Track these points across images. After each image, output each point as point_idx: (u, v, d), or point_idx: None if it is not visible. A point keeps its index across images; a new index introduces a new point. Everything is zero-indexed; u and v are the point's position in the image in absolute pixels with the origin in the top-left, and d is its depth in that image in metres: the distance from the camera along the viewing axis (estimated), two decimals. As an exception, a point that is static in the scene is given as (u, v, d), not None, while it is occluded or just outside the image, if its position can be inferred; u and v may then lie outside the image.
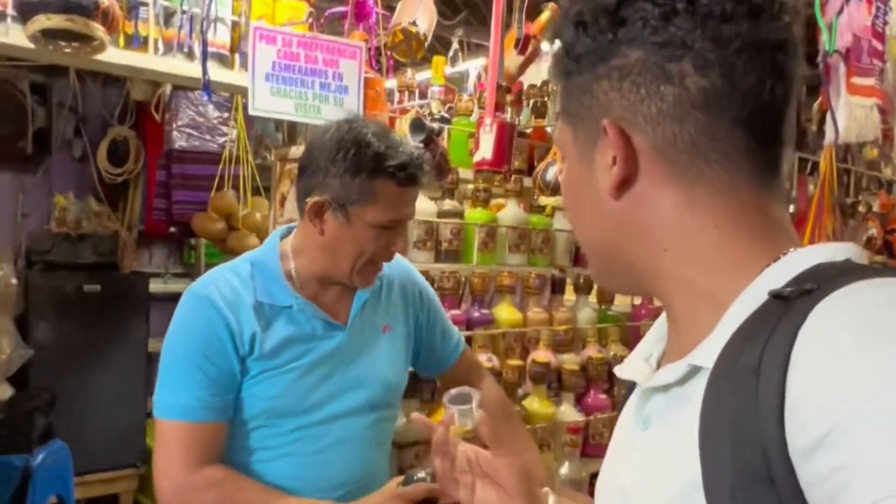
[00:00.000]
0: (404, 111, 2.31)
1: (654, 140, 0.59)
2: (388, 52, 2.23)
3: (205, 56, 1.88)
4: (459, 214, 2.10)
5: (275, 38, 1.87)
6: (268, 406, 1.30)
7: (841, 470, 0.44)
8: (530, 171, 2.34)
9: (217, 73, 1.95)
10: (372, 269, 1.33)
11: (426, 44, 2.19)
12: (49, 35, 1.70)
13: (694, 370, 0.58)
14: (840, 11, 1.73)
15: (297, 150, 2.11)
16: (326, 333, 1.34)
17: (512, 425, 1.56)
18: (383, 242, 1.30)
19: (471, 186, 2.28)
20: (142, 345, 3.40)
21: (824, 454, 0.45)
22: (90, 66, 1.90)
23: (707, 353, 0.56)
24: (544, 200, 2.36)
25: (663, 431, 0.61)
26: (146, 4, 1.90)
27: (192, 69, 1.91)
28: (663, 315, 0.69)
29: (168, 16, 1.94)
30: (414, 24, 2.14)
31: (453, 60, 3.72)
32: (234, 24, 2.05)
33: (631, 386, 0.73)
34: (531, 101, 2.54)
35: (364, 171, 1.25)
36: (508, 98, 2.49)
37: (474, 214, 2.13)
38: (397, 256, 1.47)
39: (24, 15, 1.67)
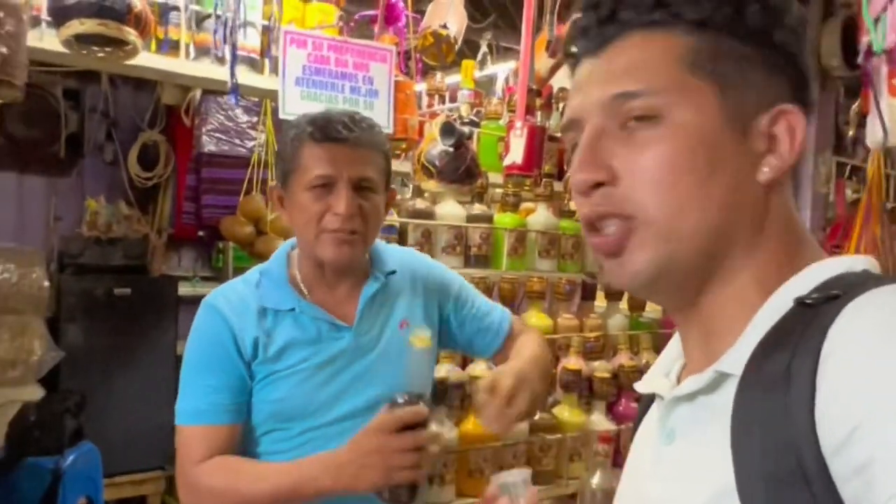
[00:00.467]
0: (433, 115, 2.29)
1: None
2: (418, 56, 2.22)
3: (234, 60, 1.88)
4: (489, 219, 2.08)
5: (305, 41, 1.86)
6: (274, 409, 1.30)
7: (869, 464, 0.45)
8: (560, 175, 2.31)
9: (247, 77, 1.96)
10: (329, 238, 1.28)
11: (456, 47, 2.18)
12: (82, 40, 1.71)
13: (721, 377, 0.58)
14: (884, 10, 1.68)
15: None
16: (332, 335, 1.33)
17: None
18: (321, 206, 1.28)
19: (500, 191, 2.26)
20: (170, 347, 3.42)
21: (853, 449, 0.46)
22: (123, 70, 1.91)
23: (734, 359, 0.56)
24: (574, 205, 2.33)
25: (690, 441, 0.60)
26: (178, 9, 1.91)
27: (223, 73, 1.91)
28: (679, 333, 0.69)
29: (200, 20, 1.94)
30: (444, 27, 2.13)
31: (481, 64, 3.70)
32: (265, 29, 2.04)
33: (647, 402, 0.73)
34: (561, 105, 2.52)
35: (291, 143, 1.31)
36: (538, 101, 2.47)
37: (504, 219, 2.11)
38: (422, 255, 1.46)
39: (57, 20, 1.68)
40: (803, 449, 0.48)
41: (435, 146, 2.00)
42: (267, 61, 2.06)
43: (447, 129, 1.88)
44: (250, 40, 2.01)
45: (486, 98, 2.58)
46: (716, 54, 0.58)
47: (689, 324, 0.64)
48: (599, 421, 2.10)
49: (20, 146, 3.44)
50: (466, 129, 2.01)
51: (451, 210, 2.05)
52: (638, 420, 0.75)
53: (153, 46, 1.87)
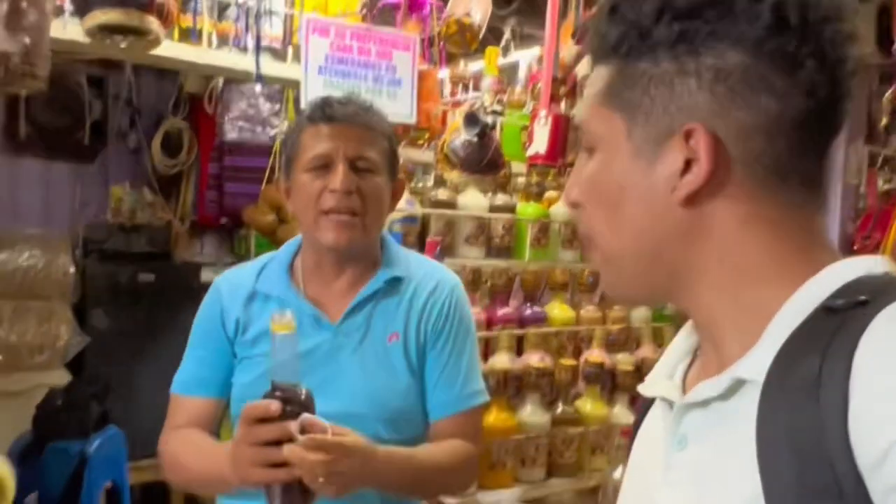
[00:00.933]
0: (456, 104, 2.27)
1: (741, 153, 0.56)
2: (441, 43, 2.19)
3: (258, 49, 1.87)
4: (511, 209, 2.06)
5: (328, 29, 1.84)
6: (241, 393, 1.28)
7: None
8: (585, 165, 2.27)
9: (270, 66, 1.95)
10: (328, 222, 1.24)
11: (480, 35, 2.15)
12: (105, 29, 1.71)
13: (738, 384, 0.56)
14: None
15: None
16: (311, 330, 1.26)
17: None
18: (319, 185, 1.25)
19: (523, 180, 2.24)
20: (193, 334, 3.45)
21: (890, 465, 0.44)
22: (146, 59, 1.91)
23: (753, 365, 0.54)
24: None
25: (706, 448, 0.59)
26: (200, -3, 1.90)
27: (245, 62, 1.91)
28: (682, 332, 0.68)
29: (222, 9, 1.94)
30: (468, 15, 2.10)
31: (504, 51, 3.66)
32: (287, 17, 2.03)
33: (647, 403, 0.71)
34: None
35: (292, 132, 1.32)
36: (563, 90, 2.43)
37: (527, 209, 2.08)
38: (449, 272, 1.37)
39: (80, 10, 1.69)
40: (838, 463, 0.47)
41: (458, 136, 1.98)
42: (289, 50, 2.05)
43: (471, 120, 1.86)
44: (274, 29, 2.00)
45: (510, 86, 2.55)
46: (625, 82, 0.59)
47: (698, 327, 0.64)
48: (622, 414, 2.08)
49: (46, 133, 3.47)
50: (490, 119, 1.98)
51: (473, 200, 2.03)
52: (638, 421, 0.73)
53: (176, 35, 1.87)
